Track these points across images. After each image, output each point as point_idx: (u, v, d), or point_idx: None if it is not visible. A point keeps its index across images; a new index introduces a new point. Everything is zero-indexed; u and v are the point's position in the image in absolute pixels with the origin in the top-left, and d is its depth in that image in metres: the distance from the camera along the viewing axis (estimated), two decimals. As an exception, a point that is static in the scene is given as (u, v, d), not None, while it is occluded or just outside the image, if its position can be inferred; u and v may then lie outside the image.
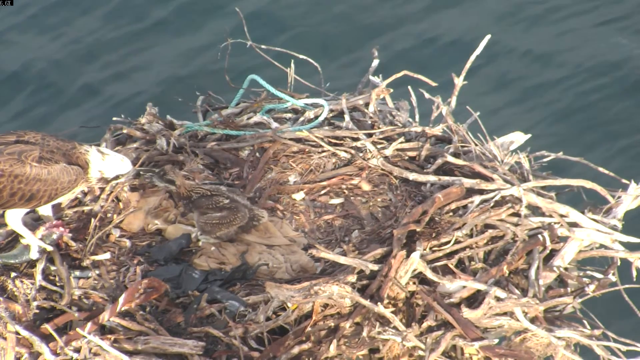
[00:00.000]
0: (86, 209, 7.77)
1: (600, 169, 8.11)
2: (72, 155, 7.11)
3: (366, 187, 8.09)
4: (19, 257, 7.29)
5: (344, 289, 6.89)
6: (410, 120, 8.64)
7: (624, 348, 7.11)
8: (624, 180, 7.80)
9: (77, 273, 7.32)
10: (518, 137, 8.41)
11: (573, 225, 7.47)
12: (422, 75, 8.58)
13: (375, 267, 7.11)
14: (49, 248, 7.27)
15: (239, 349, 6.82)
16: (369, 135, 8.34)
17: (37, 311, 7.06)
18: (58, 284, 7.21)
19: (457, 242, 7.33)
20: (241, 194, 7.75)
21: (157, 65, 13.78)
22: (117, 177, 7.30)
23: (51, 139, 7.11)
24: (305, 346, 6.89)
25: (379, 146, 8.25)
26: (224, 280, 7.27)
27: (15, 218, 7.23)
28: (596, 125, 12.55)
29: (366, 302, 6.91)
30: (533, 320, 7.06)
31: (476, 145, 8.15)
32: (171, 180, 7.66)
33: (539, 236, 7.38)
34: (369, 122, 8.55)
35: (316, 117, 8.60)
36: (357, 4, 14.19)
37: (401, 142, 8.25)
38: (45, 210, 7.42)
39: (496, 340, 6.99)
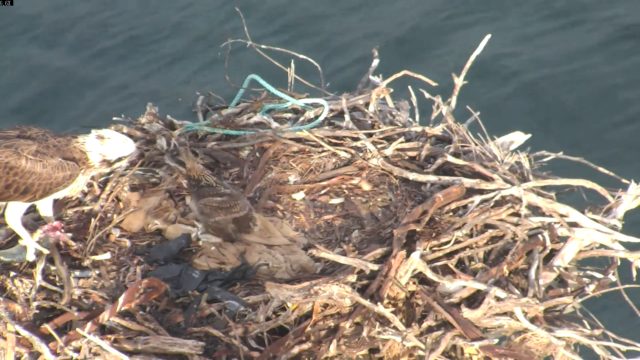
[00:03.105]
0: (86, 208, 7.77)
1: (600, 169, 8.11)
2: (67, 151, 7.13)
3: (366, 187, 8.09)
4: (17, 255, 7.30)
5: (344, 289, 6.89)
6: (410, 120, 8.64)
7: (624, 348, 7.11)
8: (624, 180, 7.80)
9: (77, 273, 7.32)
10: (518, 137, 8.41)
11: (573, 225, 7.47)
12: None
13: (375, 267, 7.11)
14: (45, 251, 7.27)
15: (239, 349, 6.82)
16: (369, 135, 8.33)
17: (37, 311, 7.05)
18: (58, 284, 7.21)
19: (457, 242, 7.33)
20: (242, 194, 7.75)
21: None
22: (119, 159, 7.31)
23: (50, 135, 7.15)
24: (305, 346, 6.89)
25: (379, 146, 8.25)
26: (224, 280, 7.27)
27: (14, 217, 7.24)
28: None
29: (366, 302, 6.91)
30: (533, 320, 7.06)
31: (476, 145, 8.15)
32: (181, 161, 7.69)
33: (539, 236, 7.38)
34: (369, 122, 8.55)
35: (316, 117, 8.60)
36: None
37: (401, 142, 8.24)
38: (46, 210, 7.42)
39: (496, 340, 6.99)
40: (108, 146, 7.20)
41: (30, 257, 7.27)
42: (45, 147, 7.08)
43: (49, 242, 7.32)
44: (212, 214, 7.57)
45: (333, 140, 8.34)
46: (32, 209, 7.47)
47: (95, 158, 7.19)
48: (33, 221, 7.52)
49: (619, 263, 7.41)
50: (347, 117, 8.49)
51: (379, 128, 8.43)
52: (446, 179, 7.84)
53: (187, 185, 7.75)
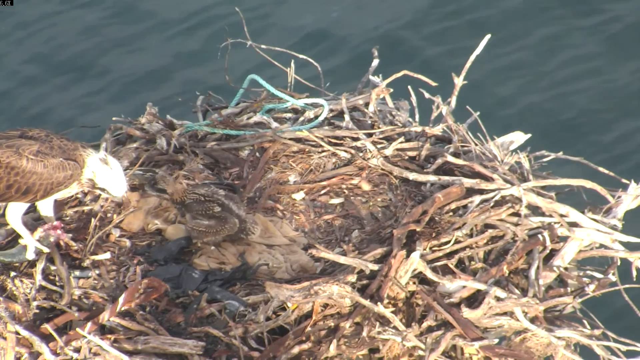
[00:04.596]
0: (86, 208, 7.77)
1: (600, 169, 8.11)
2: (72, 155, 7.13)
3: (366, 187, 8.09)
4: (17, 256, 7.30)
5: (344, 288, 6.90)
6: (410, 120, 8.64)
7: (624, 348, 7.11)
8: (624, 180, 7.80)
9: (77, 273, 7.32)
10: (518, 137, 8.41)
11: (573, 225, 7.47)
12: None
13: (375, 267, 7.11)
14: (46, 250, 7.27)
15: (239, 349, 6.82)
16: (369, 135, 8.33)
17: (37, 311, 7.06)
18: (58, 284, 7.21)
19: (457, 242, 7.33)
20: (239, 203, 7.69)
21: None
22: (103, 190, 7.24)
23: (55, 137, 7.14)
24: (305, 346, 6.90)
25: (379, 146, 8.25)
26: (224, 280, 7.28)
27: (15, 216, 7.24)
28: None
29: (366, 302, 6.91)
30: (533, 320, 7.06)
31: (476, 145, 8.15)
32: (162, 189, 7.64)
33: (539, 236, 7.38)
34: (369, 122, 8.55)
35: (316, 117, 8.60)
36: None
37: (401, 142, 8.25)
38: (46, 209, 7.42)
39: (496, 340, 6.99)
40: (102, 172, 7.17)
41: (30, 255, 7.28)
42: (49, 148, 7.07)
43: (50, 240, 7.32)
44: (200, 236, 7.56)
45: (333, 140, 8.34)
46: (32, 209, 7.47)
47: (87, 174, 7.16)
48: (33, 221, 7.52)
49: (619, 263, 7.42)
50: (347, 117, 8.49)
51: (379, 128, 8.43)
52: (446, 179, 7.84)
53: (173, 207, 7.72)
